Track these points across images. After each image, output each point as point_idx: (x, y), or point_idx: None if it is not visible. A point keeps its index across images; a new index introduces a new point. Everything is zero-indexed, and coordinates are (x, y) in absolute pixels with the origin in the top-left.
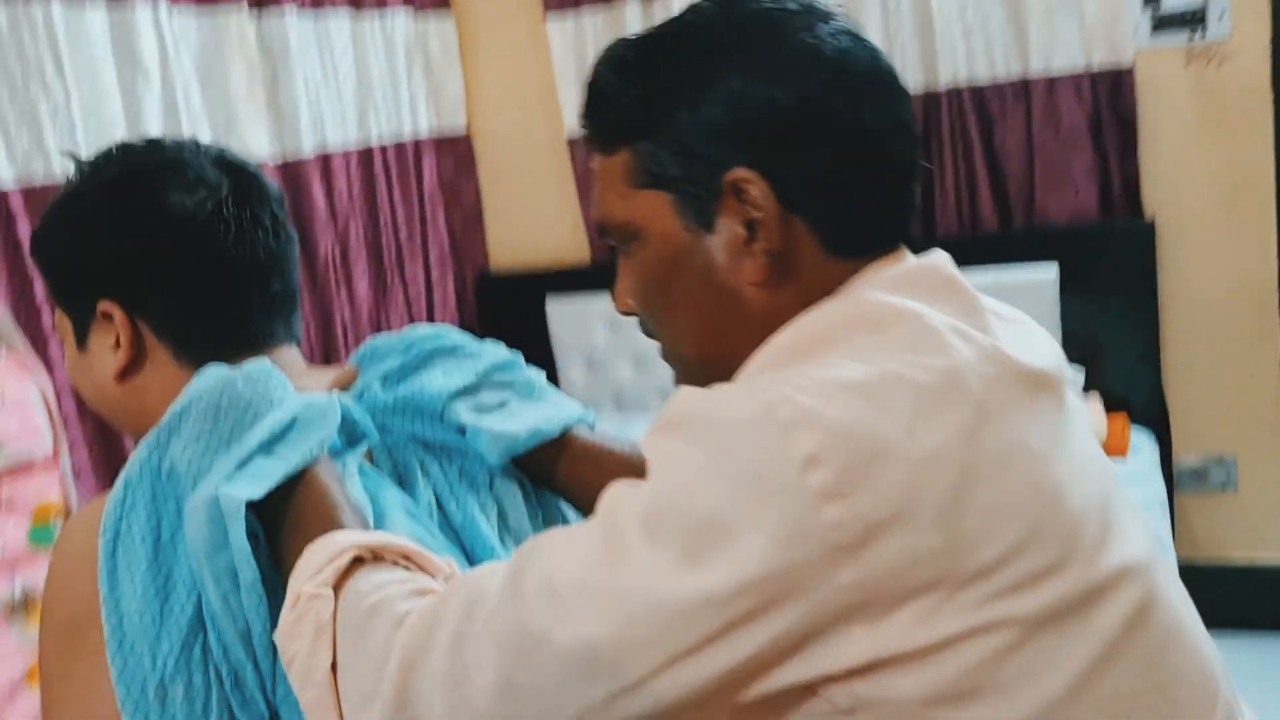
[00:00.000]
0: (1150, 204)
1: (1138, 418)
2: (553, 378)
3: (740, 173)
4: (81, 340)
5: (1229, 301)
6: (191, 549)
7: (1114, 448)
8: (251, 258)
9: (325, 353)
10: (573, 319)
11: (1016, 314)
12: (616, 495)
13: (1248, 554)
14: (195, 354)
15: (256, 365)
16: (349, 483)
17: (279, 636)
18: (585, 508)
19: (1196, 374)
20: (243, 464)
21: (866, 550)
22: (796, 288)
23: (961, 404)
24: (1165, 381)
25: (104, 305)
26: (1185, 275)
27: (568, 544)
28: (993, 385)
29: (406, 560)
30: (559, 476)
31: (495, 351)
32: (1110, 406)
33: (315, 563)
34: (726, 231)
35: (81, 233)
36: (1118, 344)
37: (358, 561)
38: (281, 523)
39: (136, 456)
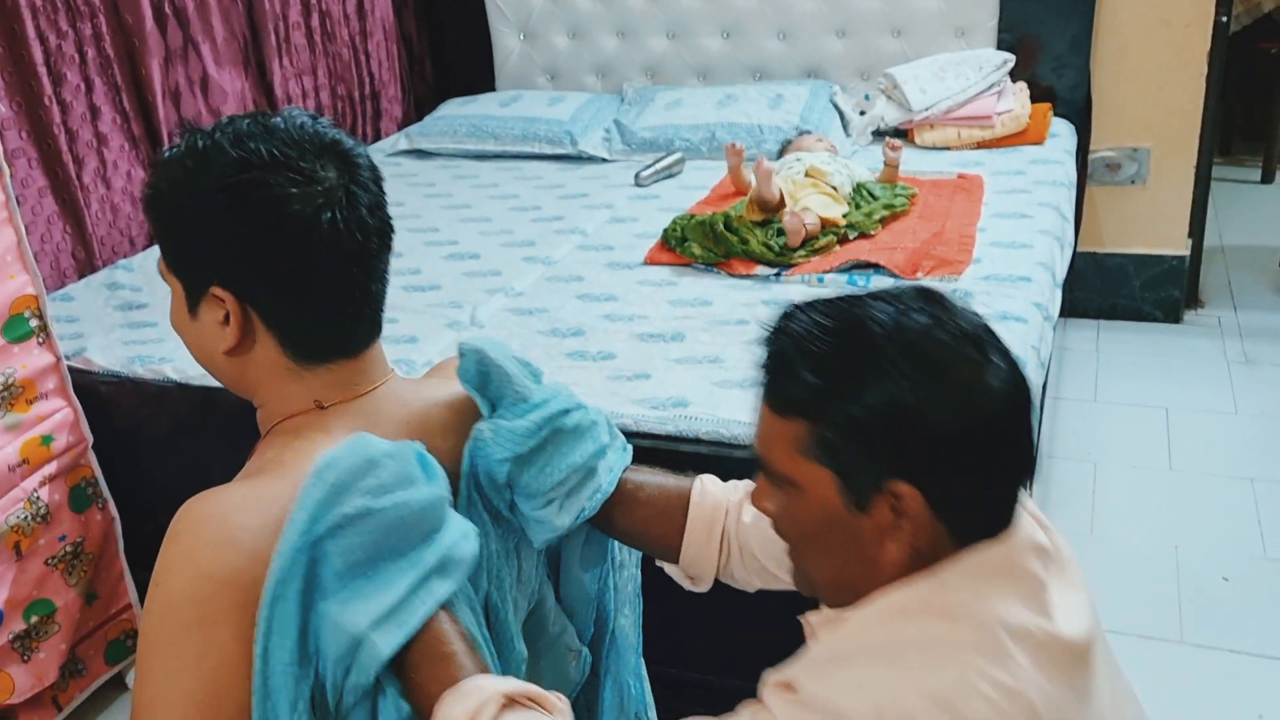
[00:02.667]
0: None
1: (1063, 110)
2: (486, 46)
3: (903, 487)
4: (192, 309)
5: None
6: (324, 645)
7: (1033, 135)
8: (356, 262)
9: None
10: None
11: (1060, 553)
12: None
13: (1149, 247)
14: (299, 347)
15: (431, 494)
16: None
17: None
18: (647, 547)
19: (1124, 64)
20: (393, 609)
21: None
22: (924, 561)
23: None
24: (1093, 73)
25: (216, 289)
26: None
27: None
28: (1050, 696)
29: (530, 701)
30: (616, 528)
31: (597, 435)
32: (1037, 97)
33: (466, 710)
34: (878, 517)
35: (196, 222)
36: (1052, 34)
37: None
38: (404, 651)
39: (301, 526)
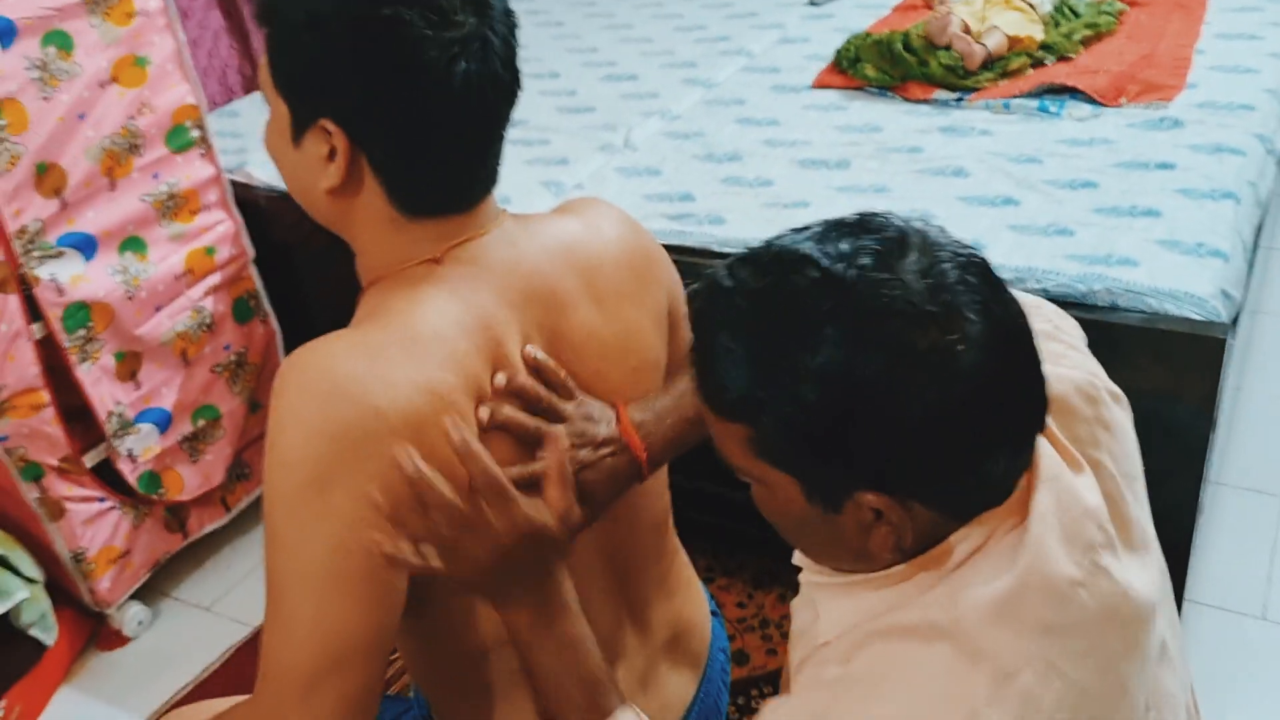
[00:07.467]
0: None
1: None
2: None
3: (869, 497)
4: (295, 137)
5: None
6: None
7: None
8: (482, 119)
9: None
10: None
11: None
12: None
13: None
14: (407, 199)
15: None
16: None
17: None
18: None
19: None
20: None
21: None
22: (922, 545)
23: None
24: None
25: (327, 123)
26: None
27: None
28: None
29: None
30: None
31: None
32: None
33: None
34: (854, 515)
35: (319, 50)
36: None
37: None
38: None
39: None
